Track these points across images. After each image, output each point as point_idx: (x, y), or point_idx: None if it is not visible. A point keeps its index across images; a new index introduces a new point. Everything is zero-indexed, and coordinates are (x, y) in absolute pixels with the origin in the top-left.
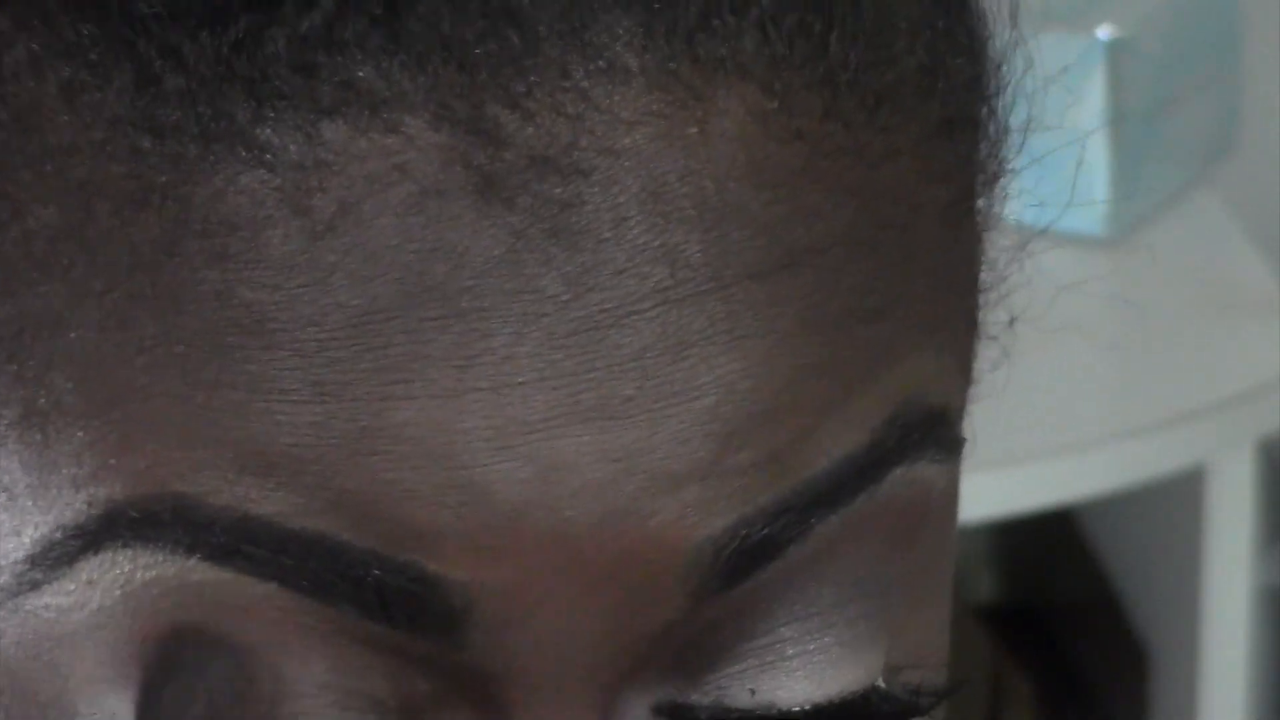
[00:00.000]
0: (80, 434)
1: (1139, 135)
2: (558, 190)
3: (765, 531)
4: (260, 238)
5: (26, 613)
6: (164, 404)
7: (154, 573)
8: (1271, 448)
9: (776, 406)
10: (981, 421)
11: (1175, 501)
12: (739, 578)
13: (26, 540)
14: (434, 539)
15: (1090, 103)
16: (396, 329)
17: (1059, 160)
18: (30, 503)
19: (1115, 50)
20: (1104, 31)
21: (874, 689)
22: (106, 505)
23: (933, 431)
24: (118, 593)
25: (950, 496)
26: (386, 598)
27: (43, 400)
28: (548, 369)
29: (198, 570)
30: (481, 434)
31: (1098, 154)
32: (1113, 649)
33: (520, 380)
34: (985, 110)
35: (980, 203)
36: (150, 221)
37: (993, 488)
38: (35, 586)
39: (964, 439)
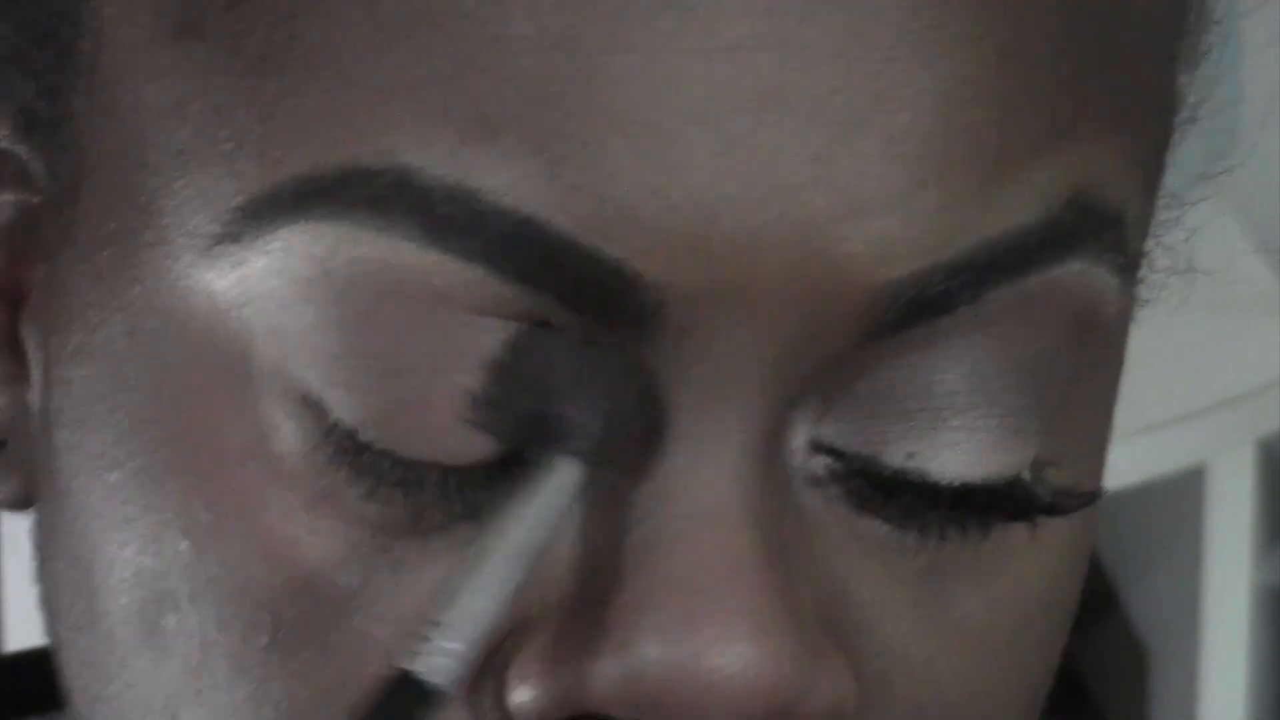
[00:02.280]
0: (316, 91)
1: None
2: None
3: (944, 286)
4: None
5: (224, 266)
6: (399, 64)
7: (358, 250)
8: (1271, 448)
9: (965, 141)
10: None
11: (1175, 501)
12: (908, 325)
13: (242, 190)
14: (634, 226)
15: None
16: None
17: None
18: (255, 154)
19: None
20: None
21: (1018, 480)
22: (329, 169)
23: (1111, 231)
24: (317, 265)
25: (1121, 323)
26: (585, 288)
27: (280, 48)
28: (763, 34)
29: (404, 251)
30: (690, 104)
31: None
32: (1113, 649)
33: (734, 43)
34: None
35: (1179, 65)
36: None
37: None
38: (237, 239)
39: (1140, 262)
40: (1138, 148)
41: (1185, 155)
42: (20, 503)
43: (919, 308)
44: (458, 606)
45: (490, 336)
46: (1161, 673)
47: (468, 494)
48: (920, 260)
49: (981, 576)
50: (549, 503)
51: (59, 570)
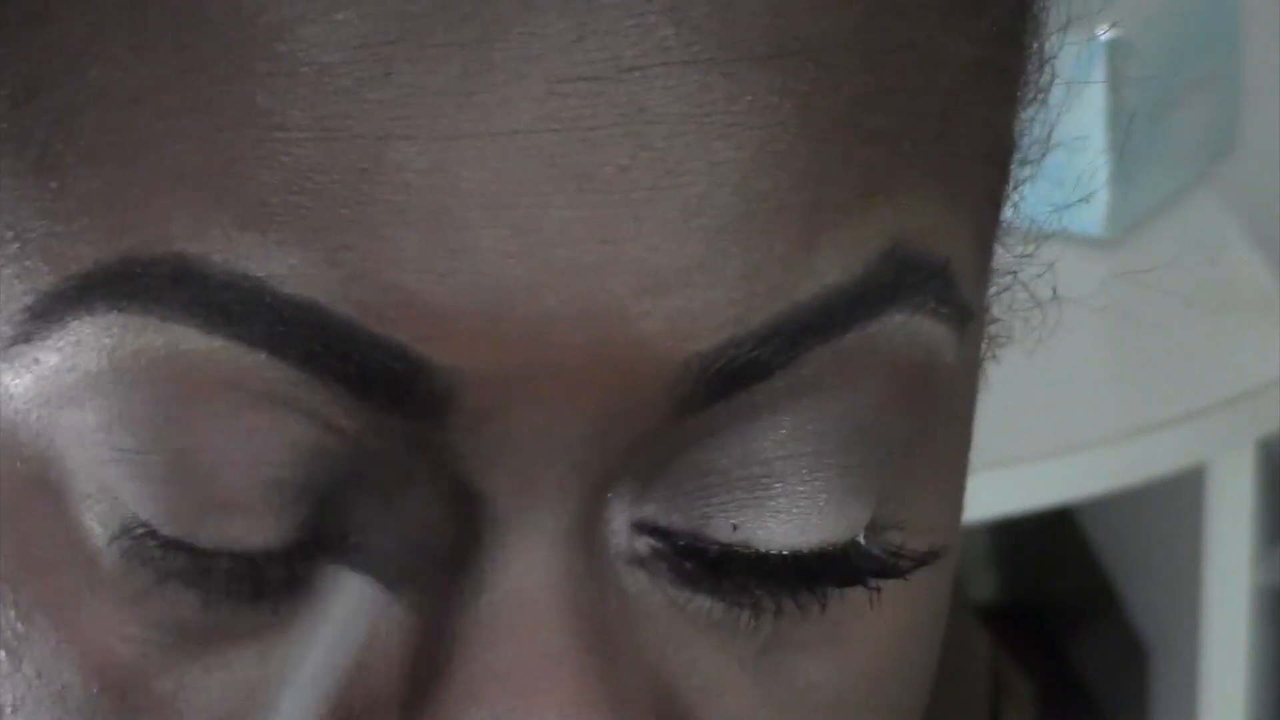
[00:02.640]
0: (96, 184)
1: (1139, 135)
2: None
3: (754, 354)
4: None
5: (20, 366)
6: (178, 153)
7: (144, 340)
8: (1271, 448)
9: (767, 208)
10: (982, 422)
11: (1175, 501)
12: (721, 396)
13: (31, 289)
14: (419, 312)
15: (1090, 103)
16: (400, 55)
17: (1059, 160)
18: (40, 252)
19: (1115, 50)
20: (1104, 31)
21: (854, 544)
22: (109, 261)
23: (934, 280)
24: (106, 358)
25: (961, 374)
26: (370, 374)
27: (61, 144)
28: (546, 117)
29: (188, 338)
30: (475, 189)
31: (1098, 154)
32: (1113, 649)
33: (517, 127)
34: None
35: (1013, 107)
36: None
37: (993, 488)
38: (28, 339)
39: (973, 310)
40: (965, 195)
41: (1185, 153)
42: None
43: (729, 378)
44: None
45: (275, 425)
46: (1161, 673)
47: (268, 587)
48: (725, 331)
49: (825, 646)
50: (339, 628)
51: None
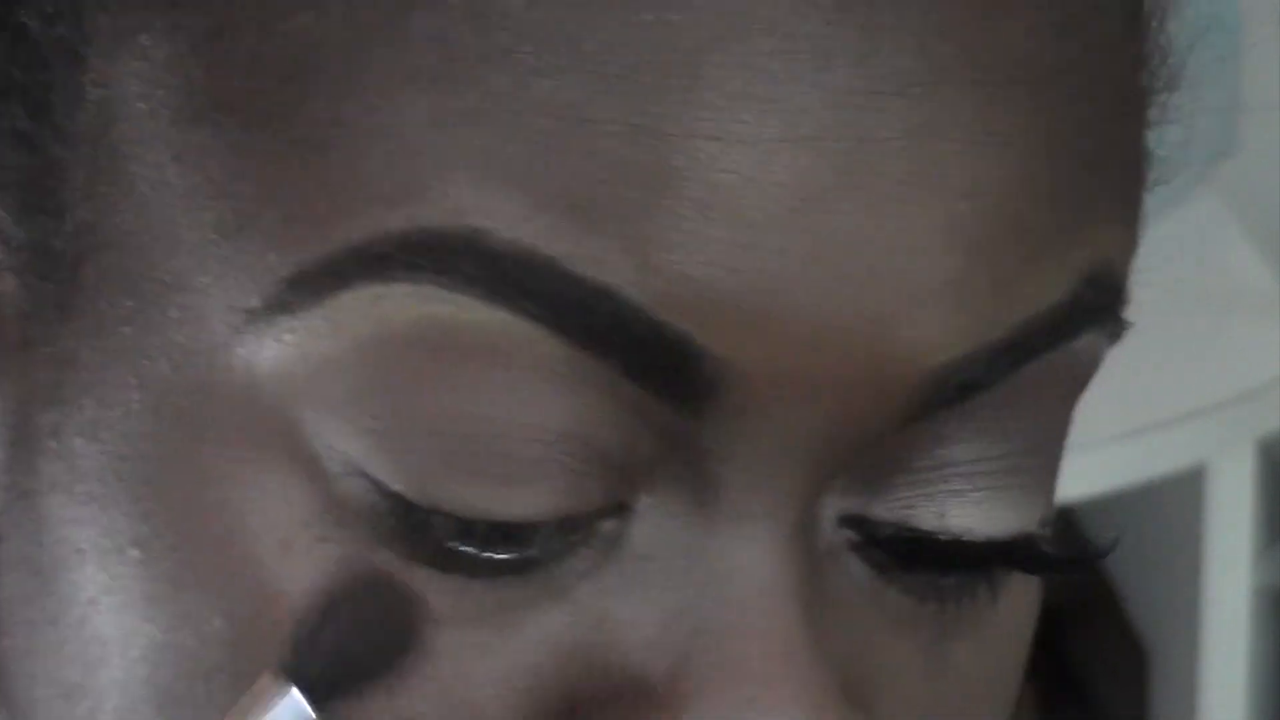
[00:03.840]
0: (378, 161)
1: None
2: None
3: (987, 367)
4: None
5: (269, 336)
6: (472, 135)
7: (425, 309)
8: (1271, 448)
9: (1014, 227)
10: None
11: (1175, 501)
12: (948, 404)
13: (291, 262)
14: (706, 304)
15: None
16: (709, 62)
17: None
18: (303, 223)
19: None
20: None
21: (1033, 536)
22: (398, 230)
23: (1116, 300)
24: (376, 325)
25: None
26: (649, 358)
27: (339, 120)
28: (839, 126)
29: (470, 309)
30: (773, 191)
31: None
32: (1113, 649)
33: (814, 134)
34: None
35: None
36: None
37: None
38: (288, 309)
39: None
40: (1133, 217)
41: (1185, 153)
42: None
43: (961, 388)
44: None
45: (549, 396)
46: (1161, 673)
47: (518, 548)
48: (969, 344)
49: (972, 631)
50: None
51: (41, 638)
